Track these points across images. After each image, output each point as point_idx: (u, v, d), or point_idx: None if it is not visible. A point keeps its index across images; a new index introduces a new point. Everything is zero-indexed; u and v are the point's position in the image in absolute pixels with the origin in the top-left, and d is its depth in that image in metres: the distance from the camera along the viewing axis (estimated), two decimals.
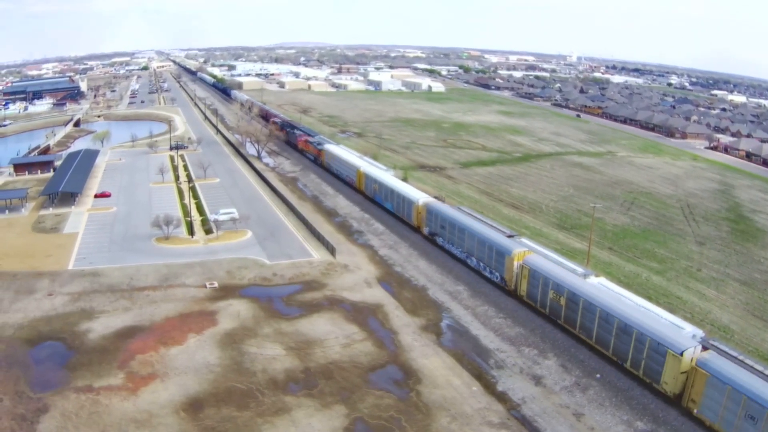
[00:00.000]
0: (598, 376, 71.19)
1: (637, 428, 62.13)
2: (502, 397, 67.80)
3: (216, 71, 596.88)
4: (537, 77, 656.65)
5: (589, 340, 77.52)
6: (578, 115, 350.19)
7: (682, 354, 64.31)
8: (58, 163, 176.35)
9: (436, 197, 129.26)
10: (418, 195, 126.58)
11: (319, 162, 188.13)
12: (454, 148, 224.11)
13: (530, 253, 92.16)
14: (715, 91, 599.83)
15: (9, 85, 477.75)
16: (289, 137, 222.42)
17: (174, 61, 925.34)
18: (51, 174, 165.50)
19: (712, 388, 61.22)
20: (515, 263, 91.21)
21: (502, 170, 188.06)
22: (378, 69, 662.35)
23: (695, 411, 63.34)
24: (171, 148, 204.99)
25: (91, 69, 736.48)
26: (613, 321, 72.74)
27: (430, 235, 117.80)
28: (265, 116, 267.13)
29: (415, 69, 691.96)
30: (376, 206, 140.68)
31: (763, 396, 57.00)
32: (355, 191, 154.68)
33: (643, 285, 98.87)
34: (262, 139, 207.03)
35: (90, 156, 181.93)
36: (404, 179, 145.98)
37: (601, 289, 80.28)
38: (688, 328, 68.34)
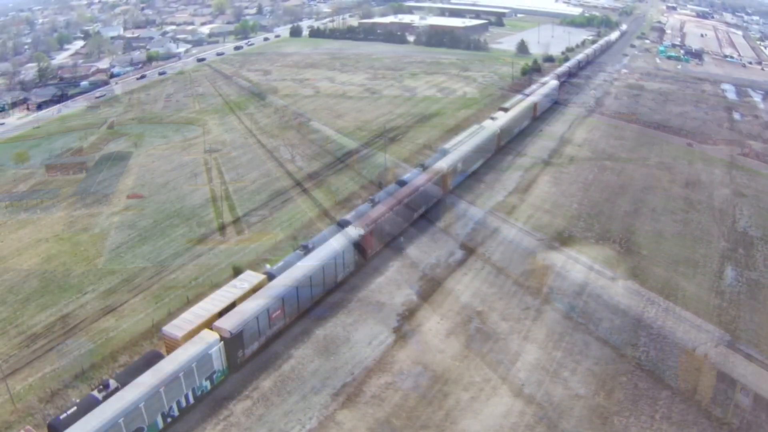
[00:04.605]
0: (623, 379, 71.03)
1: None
2: (528, 399, 68.05)
3: (251, 76, 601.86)
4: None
5: None
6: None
7: None
8: (90, 165, 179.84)
9: None
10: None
11: None
12: None
13: None
14: (748, 98, 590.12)
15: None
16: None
17: (209, 66, 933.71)
18: (83, 175, 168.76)
19: None
20: None
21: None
22: (413, 75, 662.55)
23: None
24: (205, 151, 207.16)
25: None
26: None
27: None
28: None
29: (450, 74, 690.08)
30: None
31: None
32: None
33: (674, 290, 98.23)
34: (296, 142, 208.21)
35: (123, 158, 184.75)
36: None
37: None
38: (716, 333, 68.05)
